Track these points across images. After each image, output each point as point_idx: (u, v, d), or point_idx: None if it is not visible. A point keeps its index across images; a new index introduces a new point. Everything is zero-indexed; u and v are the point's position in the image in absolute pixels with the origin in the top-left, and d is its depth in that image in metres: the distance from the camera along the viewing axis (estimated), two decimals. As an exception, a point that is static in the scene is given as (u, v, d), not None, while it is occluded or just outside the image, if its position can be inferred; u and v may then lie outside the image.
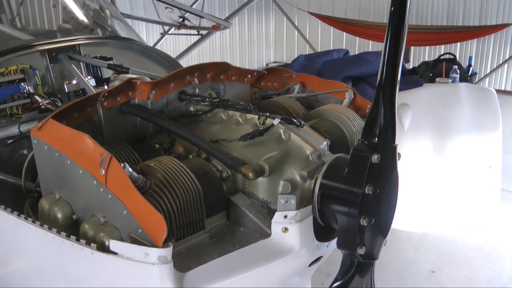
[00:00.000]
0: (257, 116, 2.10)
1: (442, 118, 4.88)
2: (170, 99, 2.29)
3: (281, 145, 2.01)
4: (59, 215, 1.85)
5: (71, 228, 1.81)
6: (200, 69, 2.37)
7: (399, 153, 1.81)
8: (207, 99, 2.29)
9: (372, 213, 1.73)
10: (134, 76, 2.27)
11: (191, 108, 2.34)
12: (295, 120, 2.07)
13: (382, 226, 1.79)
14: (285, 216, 1.80)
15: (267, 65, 13.57)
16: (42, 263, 1.96)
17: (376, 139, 1.72)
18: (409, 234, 5.14)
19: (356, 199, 1.72)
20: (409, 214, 4.94)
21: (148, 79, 2.26)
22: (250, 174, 1.88)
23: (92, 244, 1.63)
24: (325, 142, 2.10)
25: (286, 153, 1.98)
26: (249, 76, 2.64)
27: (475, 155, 4.95)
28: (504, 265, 4.56)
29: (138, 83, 2.16)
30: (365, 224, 1.71)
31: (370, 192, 1.70)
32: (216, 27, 5.34)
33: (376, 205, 1.74)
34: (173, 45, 10.14)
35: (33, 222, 1.85)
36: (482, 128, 4.97)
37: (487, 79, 10.07)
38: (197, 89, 2.37)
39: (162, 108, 2.27)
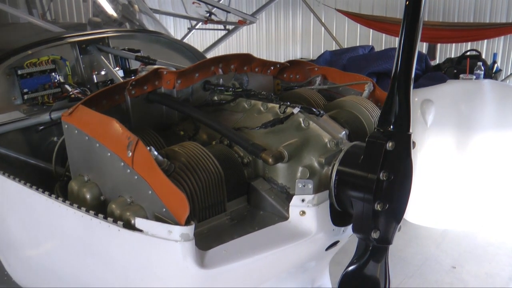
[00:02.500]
0: (278, 105, 2.17)
1: (466, 114, 4.86)
2: (195, 88, 2.37)
3: (301, 132, 2.07)
4: (88, 196, 1.94)
5: (99, 209, 1.89)
6: (225, 60, 2.45)
7: (414, 141, 1.86)
8: (230, 89, 2.37)
9: (386, 199, 1.77)
10: (159, 66, 2.36)
11: (215, 98, 2.42)
12: (314, 110, 2.14)
13: (396, 212, 1.83)
14: (303, 200, 1.86)
15: (292, 61, 13.54)
16: (72, 241, 2.05)
17: (391, 127, 1.77)
18: (430, 230, 5.15)
19: (371, 184, 1.77)
20: (431, 211, 4.95)
21: (174, 70, 2.35)
22: (270, 160, 1.95)
23: (119, 222, 1.72)
24: (344, 132, 2.16)
25: (305, 141, 2.04)
26: (272, 68, 2.71)
27: (497, 152, 4.92)
28: (526, 263, 4.54)
29: (165, 72, 2.25)
30: (379, 209, 1.76)
31: (384, 178, 1.75)
32: (242, 22, 5.40)
33: (390, 191, 1.78)
34: (200, 39, 10.26)
35: (63, 202, 1.95)
36: (505, 125, 4.93)
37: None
38: (221, 80, 2.45)
39: (187, 97, 2.35)
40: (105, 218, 1.77)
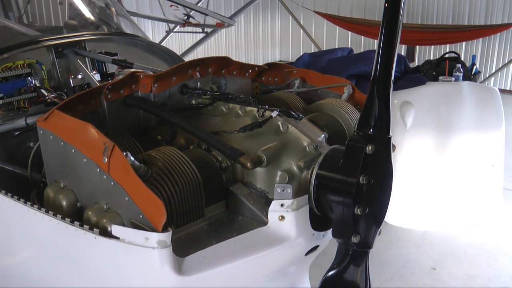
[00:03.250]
0: (256, 109, 2.16)
1: (445, 116, 4.89)
2: (173, 92, 2.35)
3: (279, 136, 2.06)
4: (64, 203, 1.91)
5: (75, 216, 1.86)
6: (202, 63, 2.42)
7: (393, 145, 1.85)
8: (208, 92, 2.35)
9: (366, 203, 1.76)
10: (136, 69, 2.34)
11: (193, 101, 2.39)
12: (293, 113, 2.12)
13: (376, 216, 1.83)
14: (282, 205, 1.85)
15: (272, 64, 13.56)
16: (47, 248, 2.02)
17: (371, 130, 1.76)
18: (410, 232, 5.16)
19: (350, 188, 1.76)
20: (411, 212, 4.97)
21: (151, 73, 2.32)
22: (248, 164, 1.93)
23: (95, 229, 1.69)
24: (323, 135, 2.14)
25: (284, 144, 2.03)
26: (250, 71, 2.69)
27: (477, 153, 4.96)
28: (505, 264, 4.56)
29: (141, 76, 2.22)
30: (359, 213, 1.76)
31: (364, 182, 1.74)
32: (220, 25, 5.39)
33: (370, 194, 1.77)
34: (178, 42, 10.21)
35: (39, 209, 1.91)
36: (484, 126, 4.97)
37: (492, 79, 10.07)
38: (198, 83, 2.43)
39: (164, 101, 2.33)
40: (81, 225, 1.74)
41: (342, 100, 2.52)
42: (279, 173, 2.00)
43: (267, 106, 2.16)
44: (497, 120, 5.00)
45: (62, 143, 1.88)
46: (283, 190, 1.84)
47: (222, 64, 2.52)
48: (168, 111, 2.27)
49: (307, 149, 2.01)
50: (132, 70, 2.26)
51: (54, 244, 1.96)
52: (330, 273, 1.91)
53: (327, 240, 2.09)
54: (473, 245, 4.93)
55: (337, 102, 2.48)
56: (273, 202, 1.86)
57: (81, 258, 1.86)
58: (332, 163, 1.89)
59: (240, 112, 2.22)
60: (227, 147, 2.01)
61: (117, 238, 1.66)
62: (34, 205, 1.95)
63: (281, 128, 2.07)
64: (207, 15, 5.19)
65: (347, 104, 2.48)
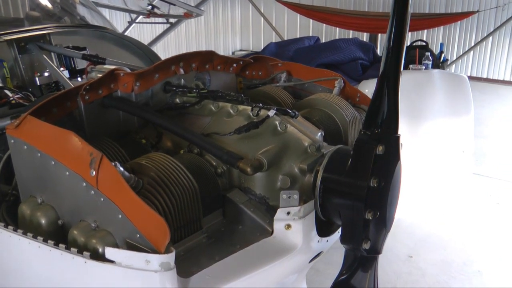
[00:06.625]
0: (250, 107, 2.00)
1: (416, 104, 4.89)
2: (155, 90, 2.16)
3: (277, 137, 1.92)
4: (43, 221, 1.69)
5: (57, 235, 1.66)
6: (185, 59, 2.24)
7: (401, 143, 1.75)
8: (194, 90, 2.17)
9: (377, 206, 1.66)
10: (116, 67, 2.12)
11: (177, 100, 2.21)
12: (289, 111, 1.98)
13: (386, 220, 1.73)
14: (288, 213, 1.71)
15: (233, 53, 13.39)
16: (28, 276, 1.78)
17: (379, 129, 1.64)
18: (384, 221, 5.15)
19: (361, 192, 1.65)
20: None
21: (129, 70, 2.12)
22: (249, 169, 1.78)
23: (85, 253, 1.49)
24: (320, 133, 2.02)
25: (283, 146, 1.89)
26: (235, 65, 2.53)
27: (448, 140, 5.00)
28: (478, 247, 4.62)
29: (121, 74, 2.02)
30: (370, 218, 1.65)
31: (375, 185, 1.63)
32: (188, 15, 5.16)
33: (381, 198, 1.67)
34: (137, 34, 9.84)
35: (15, 230, 1.69)
36: (455, 113, 5.02)
37: (453, 66, 10.24)
38: (182, 80, 2.24)
39: (147, 100, 2.14)
40: (68, 248, 1.53)
41: (334, 95, 2.40)
42: (280, 177, 1.86)
43: (261, 104, 2.01)
44: (467, 107, 5.06)
45: (39, 154, 1.66)
46: (289, 197, 1.71)
47: (206, 58, 2.35)
48: (153, 112, 2.07)
49: (309, 150, 1.88)
50: (112, 67, 2.04)
51: (35, 271, 1.72)
52: (339, 280, 1.80)
53: (331, 245, 1.98)
54: (446, 230, 4.97)
55: (329, 97, 2.35)
56: (279, 210, 1.72)
57: (69, 285, 1.63)
58: (338, 166, 1.77)
59: (231, 111, 2.05)
60: (224, 151, 1.85)
61: (111, 261, 1.46)
62: (9, 226, 1.72)
63: (279, 128, 1.92)
64: (174, 4, 4.94)
65: (340, 99, 2.36)
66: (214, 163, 1.94)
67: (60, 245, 1.55)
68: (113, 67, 2.38)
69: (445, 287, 4.07)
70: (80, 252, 1.50)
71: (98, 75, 2.51)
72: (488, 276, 4.19)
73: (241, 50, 13.65)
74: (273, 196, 1.86)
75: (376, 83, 1.66)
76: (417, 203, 5.00)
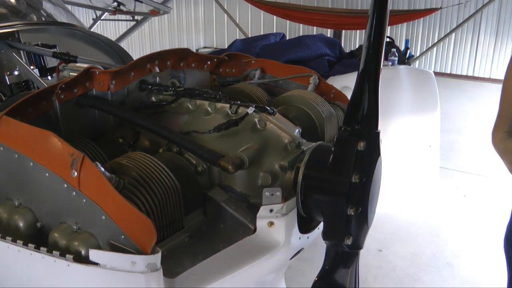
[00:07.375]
0: (228, 105, 1.99)
1: (384, 100, 4.94)
2: (131, 89, 2.12)
3: (257, 134, 1.92)
4: (21, 224, 1.64)
5: (36, 238, 1.62)
6: (161, 57, 2.22)
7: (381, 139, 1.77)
8: (170, 88, 2.15)
9: (358, 202, 1.68)
10: (90, 65, 2.08)
11: (153, 98, 2.19)
12: (268, 108, 1.98)
13: (367, 215, 1.75)
14: (271, 210, 1.71)
15: (197, 50, 13.31)
16: (6, 281, 1.73)
17: (359, 125, 1.66)
18: (353, 216, 5.20)
19: (343, 188, 1.66)
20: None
21: (102, 69, 2.08)
22: (230, 167, 1.77)
23: (68, 255, 1.45)
24: (297, 130, 2.03)
25: (263, 143, 1.89)
26: (209, 62, 2.51)
27: (415, 135, 5.09)
28: (446, 239, 4.72)
29: (97, 72, 1.98)
30: (352, 213, 1.66)
31: (357, 181, 1.65)
32: (155, 12, 5.09)
33: (362, 193, 1.69)
34: (101, 32, 9.67)
35: None
36: (421, 109, 5.11)
37: (417, 61, 10.44)
38: (157, 78, 2.22)
39: (123, 99, 2.10)
40: (49, 251, 1.49)
41: (310, 92, 2.41)
42: (261, 174, 1.86)
43: (239, 102, 2.00)
44: (433, 102, 5.17)
45: (16, 156, 1.61)
46: (272, 194, 1.71)
47: (181, 56, 2.33)
48: (131, 111, 2.04)
49: (289, 147, 1.88)
50: (87, 65, 1.99)
51: (14, 277, 1.67)
52: (321, 276, 1.81)
53: (311, 241, 1.99)
54: (415, 223, 5.06)
55: (305, 93, 2.36)
56: (262, 208, 1.72)
57: (52, 289, 1.60)
58: (319, 162, 1.78)
59: (209, 109, 2.04)
60: (204, 150, 1.84)
61: (96, 264, 1.44)
62: None
63: (258, 126, 1.92)
64: (141, 2, 4.86)
65: (316, 95, 2.37)
66: (194, 162, 1.92)
67: (41, 248, 1.51)
68: (85, 65, 2.32)
69: (415, 280, 4.14)
70: (62, 255, 1.46)
71: (71, 73, 2.45)
72: (457, 267, 4.29)
73: (205, 47, 13.58)
74: (254, 193, 1.86)
75: (356, 79, 1.68)
76: (385, 197, 5.07)
